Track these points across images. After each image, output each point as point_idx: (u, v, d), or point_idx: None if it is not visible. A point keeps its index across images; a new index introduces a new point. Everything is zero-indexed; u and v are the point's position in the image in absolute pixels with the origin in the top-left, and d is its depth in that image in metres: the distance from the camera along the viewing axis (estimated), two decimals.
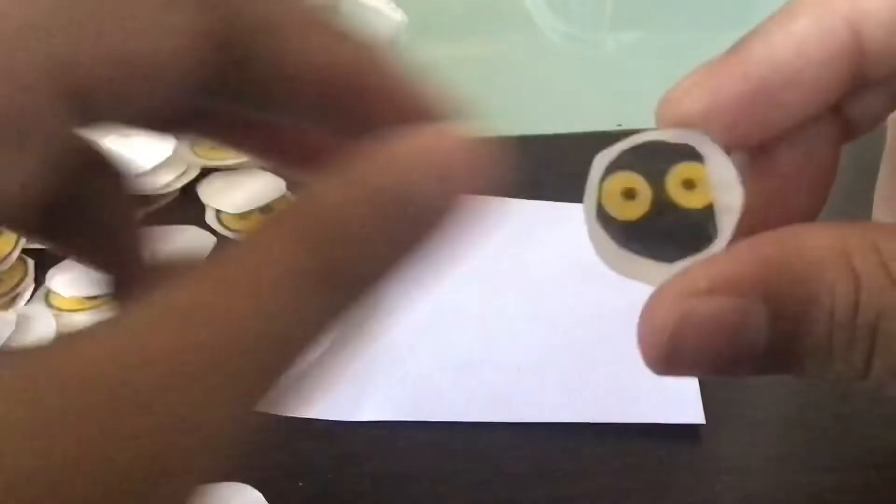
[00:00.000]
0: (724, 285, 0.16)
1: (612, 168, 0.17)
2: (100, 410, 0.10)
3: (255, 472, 0.26)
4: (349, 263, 0.13)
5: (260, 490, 0.25)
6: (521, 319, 0.31)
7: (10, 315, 0.30)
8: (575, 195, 0.40)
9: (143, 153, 0.37)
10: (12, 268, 0.32)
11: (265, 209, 0.36)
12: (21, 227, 0.17)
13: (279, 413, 0.30)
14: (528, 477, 0.26)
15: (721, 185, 0.17)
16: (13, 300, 0.31)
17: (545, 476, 0.26)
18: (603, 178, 0.17)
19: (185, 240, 0.34)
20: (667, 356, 0.16)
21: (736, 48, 0.17)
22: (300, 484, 0.26)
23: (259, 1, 0.14)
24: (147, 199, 0.36)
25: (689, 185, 0.17)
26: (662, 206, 0.17)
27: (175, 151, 0.37)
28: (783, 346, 0.16)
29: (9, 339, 0.29)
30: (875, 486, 0.25)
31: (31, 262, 0.32)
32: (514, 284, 0.32)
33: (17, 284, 0.32)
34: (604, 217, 0.17)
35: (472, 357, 0.29)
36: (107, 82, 0.13)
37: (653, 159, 0.17)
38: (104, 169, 0.16)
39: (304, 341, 0.13)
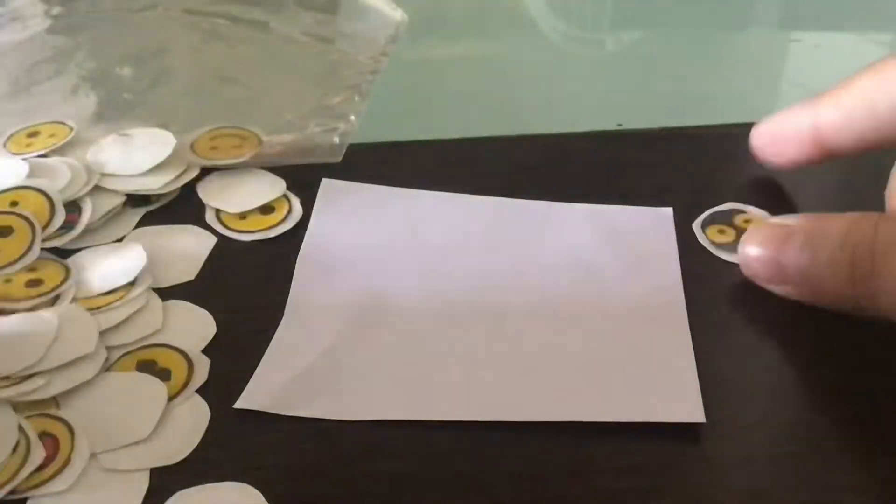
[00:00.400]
0: (783, 221, 0.30)
1: (705, 224, 0.35)
2: None
3: (255, 472, 0.26)
4: None
5: (260, 490, 0.25)
6: (521, 319, 0.31)
7: (51, 315, 0.29)
8: (574, 195, 0.40)
9: (143, 153, 0.37)
10: (53, 268, 0.32)
11: (265, 209, 0.36)
12: None
13: (279, 413, 0.30)
14: (528, 476, 0.26)
15: (763, 217, 0.34)
16: (54, 301, 0.31)
17: (545, 475, 0.26)
18: (703, 228, 0.34)
19: (185, 240, 0.34)
20: (742, 257, 0.31)
21: (758, 125, 0.35)
22: (300, 484, 0.26)
23: None
24: (147, 198, 0.36)
25: (747, 221, 0.34)
26: (740, 233, 0.32)
27: (175, 151, 0.37)
28: (809, 262, 0.28)
29: (54, 340, 0.28)
30: (877, 487, 0.25)
31: (70, 263, 0.32)
32: (514, 284, 0.32)
33: (61, 284, 0.31)
34: (714, 244, 0.34)
35: (472, 356, 0.29)
36: None
37: (722, 215, 0.35)
38: None
39: None
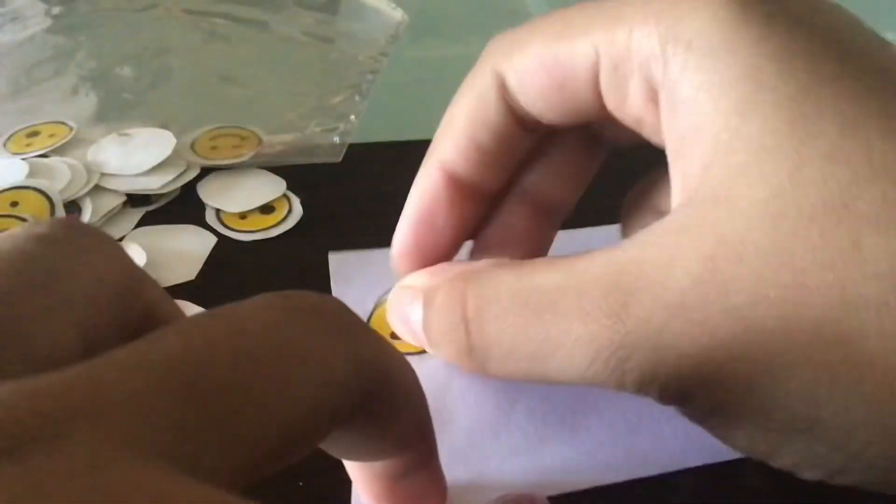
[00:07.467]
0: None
1: None
2: None
3: None
4: None
5: (260, 490, 0.25)
6: None
7: None
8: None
9: (143, 153, 0.37)
10: None
11: (265, 208, 0.36)
12: None
13: None
14: None
15: None
16: None
17: None
18: None
19: (185, 240, 0.34)
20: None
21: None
22: (300, 484, 0.25)
23: None
24: (147, 198, 0.36)
25: None
26: None
27: (175, 151, 0.37)
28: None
29: None
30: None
31: None
32: None
33: None
34: None
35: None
36: None
37: None
38: None
39: None
